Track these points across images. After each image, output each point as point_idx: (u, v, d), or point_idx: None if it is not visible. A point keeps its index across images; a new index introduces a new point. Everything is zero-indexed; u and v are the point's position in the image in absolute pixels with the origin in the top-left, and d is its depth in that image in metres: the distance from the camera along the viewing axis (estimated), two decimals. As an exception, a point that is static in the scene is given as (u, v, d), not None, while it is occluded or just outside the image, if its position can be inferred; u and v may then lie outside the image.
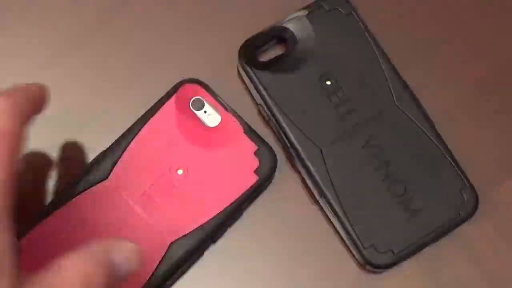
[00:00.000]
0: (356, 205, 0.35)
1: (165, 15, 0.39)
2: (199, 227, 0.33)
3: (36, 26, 0.39)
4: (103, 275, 0.25)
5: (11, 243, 0.24)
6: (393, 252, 0.34)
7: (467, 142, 0.38)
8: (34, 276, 0.24)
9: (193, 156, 0.35)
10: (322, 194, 0.35)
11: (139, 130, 0.35)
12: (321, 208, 0.36)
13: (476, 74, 0.39)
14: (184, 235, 0.33)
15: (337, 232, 0.36)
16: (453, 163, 0.36)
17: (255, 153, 0.35)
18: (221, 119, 0.36)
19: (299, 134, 0.36)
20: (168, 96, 0.36)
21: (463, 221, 0.35)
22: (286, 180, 0.37)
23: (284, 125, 0.36)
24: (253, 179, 0.34)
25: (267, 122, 0.37)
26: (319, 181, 0.35)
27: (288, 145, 0.36)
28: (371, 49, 0.37)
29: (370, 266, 0.34)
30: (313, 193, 0.36)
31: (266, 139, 0.36)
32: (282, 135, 0.36)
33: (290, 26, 0.37)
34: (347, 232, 0.35)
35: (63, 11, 0.39)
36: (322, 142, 0.35)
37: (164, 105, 0.35)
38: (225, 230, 0.35)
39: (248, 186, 0.34)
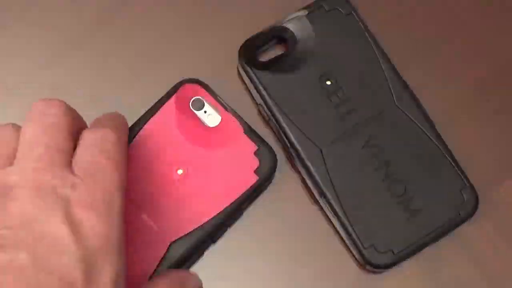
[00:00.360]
0: (356, 205, 0.35)
1: (165, 15, 0.39)
2: (199, 227, 0.33)
3: (36, 26, 0.39)
4: None
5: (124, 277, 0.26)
6: (393, 252, 0.34)
7: (467, 142, 0.38)
8: None
9: (193, 156, 0.35)
10: (322, 194, 0.35)
11: (139, 130, 0.35)
12: (321, 208, 0.36)
13: (476, 74, 0.39)
14: (184, 235, 0.33)
15: (337, 232, 0.36)
16: (453, 163, 0.36)
17: (255, 153, 0.35)
18: (221, 119, 0.36)
19: (299, 134, 0.36)
20: (168, 96, 0.36)
21: (463, 221, 0.35)
22: (286, 180, 0.37)
23: (284, 125, 0.36)
24: (253, 179, 0.34)
25: (267, 122, 0.37)
26: (319, 181, 0.35)
27: (288, 145, 0.36)
28: (371, 49, 0.37)
29: (370, 266, 0.34)
30: (313, 193, 0.36)
31: (266, 139, 0.36)
32: (282, 135, 0.36)
33: (290, 26, 0.37)
34: (347, 232, 0.35)
35: (63, 11, 0.39)
36: (322, 142, 0.35)
37: (164, 105, 0.35)
38: (225, 230, 0.35)
39: (248, 186, 0.34)
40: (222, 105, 0.36)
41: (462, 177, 0.35)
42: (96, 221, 0.25)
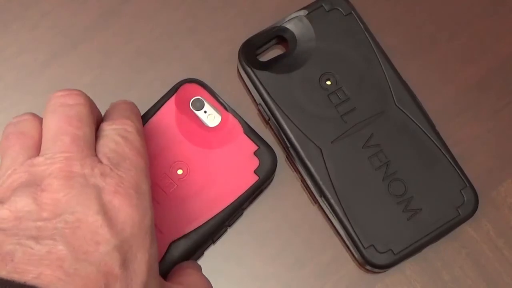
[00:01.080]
0: (356, 205, 0.35)
1: (165, 16, 0.39)
2: (199, 227, 0.33)
3: (36, 26, 0.39)
4: None
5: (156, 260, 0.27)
6: (393, 252, 0.34)
7: (467, 142, 0.38)
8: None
9: (193, 156, 0.35)
10: (322, 194, 0.35)
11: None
12: (321, 208, 0.36)
13: (476, 74, 0.39)
14: (184, 235, 0.33)
15: (337, 232, 0.36)
16: (453, 163, 0.36)
17: (255, 153, 0.35)
18: (221, 119, 0.36)
19: (299, 134, 0.35)
20: (168, 96, 0.36)
21: (463, 221, 0.35)
22: (286, 180, 0.37)
23: (284, 125, 0.36)
24: (253, 179, 0.34)
25: (267, 122, 0.37)
26: (319, 181, 0.35)
27: (288, 145, 0.36)
28: (371, 49, 0.37)
29: (370, 266, 0.34)
30: (313, 193, 0.36)
31: (266, 139, 0.36)
32: (282, 135, 0.36)
33: (290, 26, 0.37)
34: (347, 232, 0.35)
35: (63, 11, 0.39)
36: (322, 142, 0.35)
37: (164, 105, 0.35)
38: (225, 230, 0.35)
39: (248, 186, 0.34)
40: (222, 105, 0.36)
41: (462, 177, 0.35)
42: (128, 208, 0.25)
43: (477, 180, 0.36)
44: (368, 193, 0.35)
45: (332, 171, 0.35)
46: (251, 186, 0.34)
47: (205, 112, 0.36)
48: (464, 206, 0.35)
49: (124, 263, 0.24)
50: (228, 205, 0.34)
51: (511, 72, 0.39)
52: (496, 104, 0.39)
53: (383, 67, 0.37)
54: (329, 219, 0.36)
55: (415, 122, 0.36)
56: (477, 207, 0.35)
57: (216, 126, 0.35)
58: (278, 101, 0.36)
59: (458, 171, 0.36)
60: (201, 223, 0.33)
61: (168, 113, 0.35)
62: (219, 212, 0.34)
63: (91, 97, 0.30)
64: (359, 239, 0.34)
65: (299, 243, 0.36)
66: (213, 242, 0.35)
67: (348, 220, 0.34)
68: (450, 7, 0.40)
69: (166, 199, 0.34)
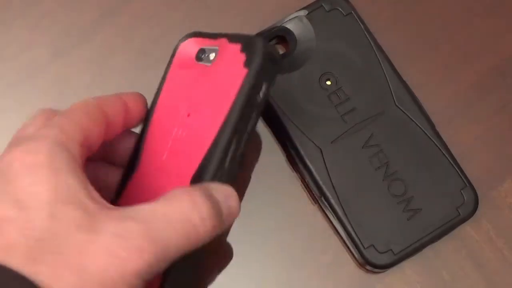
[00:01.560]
0: (356, 205, 0.35)
1: (165, 15, 0.39)
2: (211, 145, 0.29)
3: (36, 26, 0.39)
4: (212, 208, 0.25)
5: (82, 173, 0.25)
6: (393, 252, 0.34)
7: (467, 142, 0.38)
8: (137, 206, 0.25)
9: (197, 96, 0.32)
10: (322, 194, 0.35)
11: (153, 108, 0.33)
12: (321, 208, 0.36)
13: (476, 74, 0.39)
14: (201, 162, 0.29)
15: (337, 232, 0.36)
16: (453, 163, 0.36)
17: (241, 50, 0.30)
18: (218, 49, 0.32)
19: (299, 134, 0.36)
20: (170, 61, 0.33)
21: (463, 221, 0.35)
22: (286, 180, 0.37)
23: (284, 125, 0.36)
24: (243, 72, 0.29)
25: (267, 122, 0.37)
26: (319, 181, 0.35)
27: (288, 145, 0.36)
28: (371, 49, 0.37)
29: (370, 266, 0.34)
30: (313, 193, 0.36)
31: (266, 139, 0.36)
32: (282, 135, 0.36)
33: (290, 26, 0.37)
34: (347, 232, 0.35)
35: (63, 11, 0.39)
36: (322, 142, 0.35)
37: (169, 72, 0.33)
38: (243, 133, 0.30)
39: (240, 82, 0.29)
40: (214, 36, 0.32)
41: (462, 177, 0.36)
42: (12, 152, 0.25)
43: (477, 180, 0.36)
44: (368, 193, 0.35)
45: (332, 171, 0.35)
46: (243, 81, 0.29)
47: (208, 56, 0.32)
48: (464, 206, 0.35)
49: (17, 202, 0.23)
50: (230, 109, 0.29)
51: (511, 72, 0.39)
52: (496, 104, 0.39)
53: (383, 67, 0.37)
54: (329, 219, 0.36)
55: (415, 122, 0.36)
56: (477, 207, 0.35)
57: (216, 58, 0.32)
58: (278, 101, 0.36)
59: (458, 171, 0.36)
60: (212, 140, 0.29)
61: (175, 77, 0.33)
62: (225, 120, 0.29)
63: (92, 95, 0.30)
64: (359, 239, 0.34)
65: (299, 243, 0.36)
66: (239, 145, 0.30)
67: (348, 220, 0.34)
68: (450, 7, 0.40)
69: (184, 147, 0.31)
